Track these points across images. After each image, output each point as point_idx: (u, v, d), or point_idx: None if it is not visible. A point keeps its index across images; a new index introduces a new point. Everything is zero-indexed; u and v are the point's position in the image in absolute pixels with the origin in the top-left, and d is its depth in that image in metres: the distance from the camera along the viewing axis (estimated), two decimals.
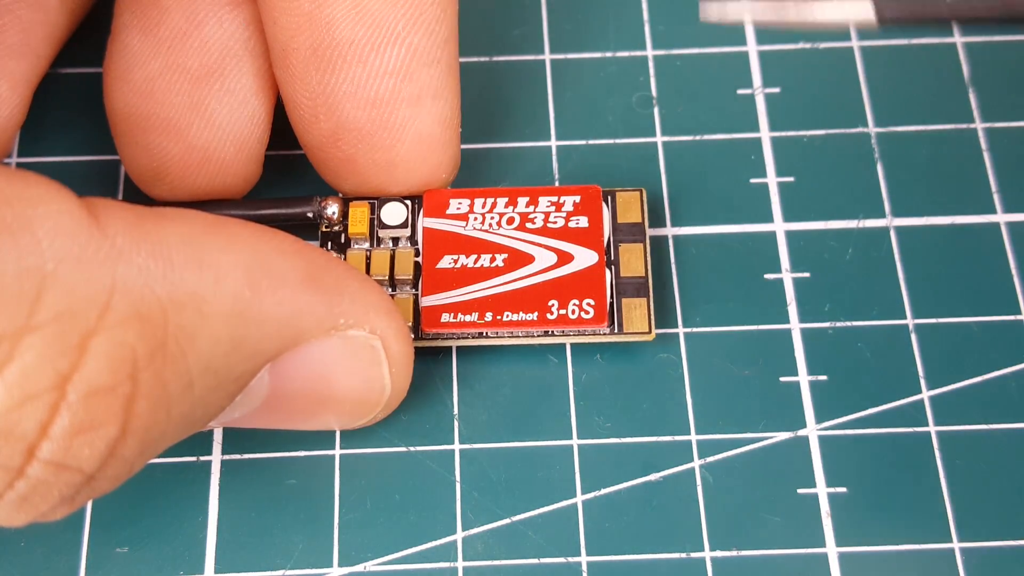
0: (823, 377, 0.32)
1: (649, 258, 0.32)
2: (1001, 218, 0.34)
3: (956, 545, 0.30)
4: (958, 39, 0.36)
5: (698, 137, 0.35)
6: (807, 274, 0.33)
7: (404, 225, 0.32)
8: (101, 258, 0.23)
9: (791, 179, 0.34)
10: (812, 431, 0.31)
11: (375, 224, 0.32)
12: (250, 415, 0.28)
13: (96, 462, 0.23)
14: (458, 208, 0.32)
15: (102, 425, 0.23)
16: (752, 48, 0.36)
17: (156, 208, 0.25)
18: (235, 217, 0.29)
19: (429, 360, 0.32)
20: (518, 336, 0.31)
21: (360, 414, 0.29)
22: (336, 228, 0.32)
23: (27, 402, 0.22)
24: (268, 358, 0.26)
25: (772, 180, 0.34)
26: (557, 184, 0.34)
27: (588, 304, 0.31)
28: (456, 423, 0.31)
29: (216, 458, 0.31)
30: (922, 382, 0.32)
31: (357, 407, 0.29)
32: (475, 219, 0.32)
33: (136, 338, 0.23)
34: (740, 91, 0.36)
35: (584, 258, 0.31)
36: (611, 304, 0.31)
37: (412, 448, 0.31)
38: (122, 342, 0.23)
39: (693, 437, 0.31)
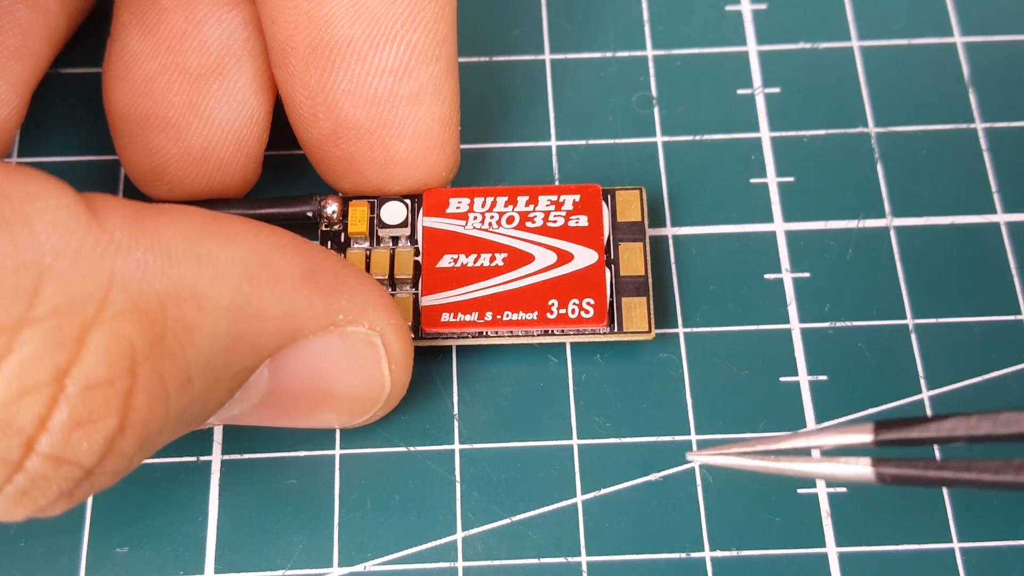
0: (823, 377, 0.32)
1: (649, 257, 0.32)
2: (1001, 218, 0.34)
3: (956, 545, 0.30)
4: (958, 39, 0.36)
5: (698, 137, 0.35)
6: (807, 274, 0.33)
7: (404, 224, 0.32)
8: (99, 252, 0.23)
9: (791, 179, 0.34)
10: None
11: (375, 223, 0.32)
12: (249, 412, 0.28)
13: (95, 456, 0.23)
14: (458, 207, 0.32)
15: (101, 419, 0.23)
16: (752, 48, 0.36)
17: (155, 204, 0.25)
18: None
19: (429, 360, 0.32)
20: (518, 336, 0.31)
21: (360, 411, 0.29)
22: (336, 227, 0.32)
23: (25, 395, 0.22)
24: (267, 354, 0.26)
25: (772, 180, 0.34)
26: (557, 184, 0.34)
27: (588, 303, 0.31)
28: (456, 423, 0.31)
29: (216, 458, 0.31)
30: (922, 382, 0.32)
31: (357, 404, 0.29)
32: (475, 218, 0.32)
33: (134, 332, 0.23)
34: (740, 91, 0.36)
35: (584, 257, 0.31)
36: (611, 303, 0.31)
37: (412, 448, 0.31)
38: (120, 336, 0.23)
39: (693, 437, 0.31)
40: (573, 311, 0.31)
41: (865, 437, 0.24)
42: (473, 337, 0.31)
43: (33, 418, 0.22)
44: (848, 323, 0.32)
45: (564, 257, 0.31)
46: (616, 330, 0.31)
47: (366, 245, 0.32)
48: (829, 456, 0.24)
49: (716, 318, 0.32)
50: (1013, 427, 0.23)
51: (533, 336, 0.31)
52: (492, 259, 0.31)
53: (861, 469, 0.24)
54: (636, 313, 0.31)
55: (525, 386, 0.32)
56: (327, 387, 0.28)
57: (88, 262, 0.22)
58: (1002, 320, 0.32)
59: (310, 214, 0.32)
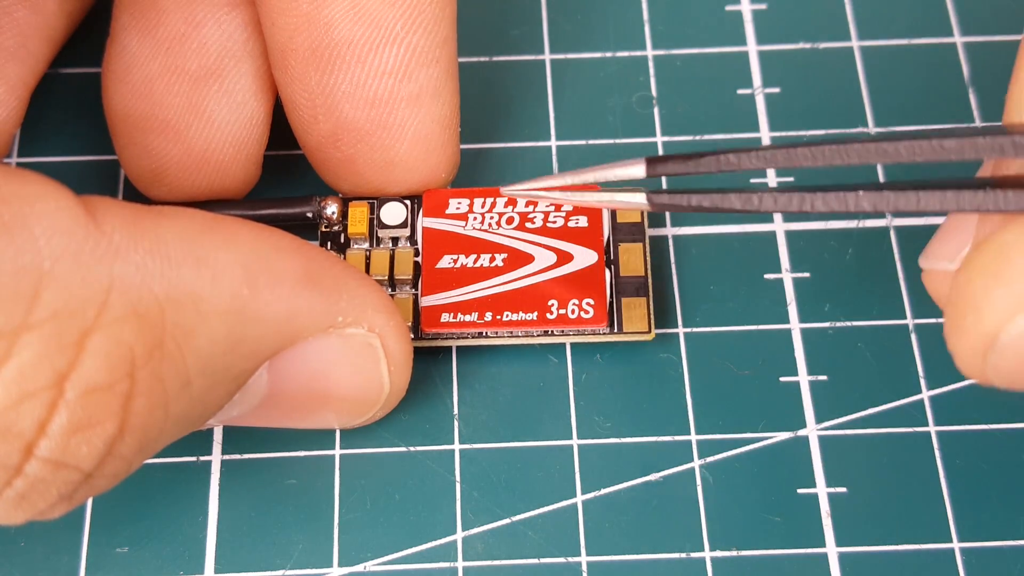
0: (823, 377, 0.32)
1: (649, 257, 0.32)
2: None
3: (956, 545, 0.30)
4: (958, 39, 0.36)
5: (698, 137, 0.35)
6: (807, 274, 0.33)
7: (404, 225, 0.32)
8: (99, 255, 0.23)
9: (791, 179, 0.34)
10: (812, 431, 0.31)
11: (375, 224, 0.32)
12: (249, 413, 0.28)
13: (94, 460, 0.23)
14: (457, 208, 0.32)
15: (100, 423, 0.23)
16: (752, 48, 0.36)
17: (154, 206, 0.25)
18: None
19: (429, 360, 0.32)
20: (518, 336, 0.31)
21: (359, 412, 0.29)
22: (336, 228, 0.32)
23: (25, 400, 0.22)
24: (266, 356, 0.26)
25: (772, 180, 0.34)
26: None
27: (588, 304, 0.31)
28: (456, 423, 0.31)
29: (216, 458, 0.31)
30: (922, 382, 0.32)
31: (356, 405, 0.29)
32: (474, 219, 0.32)
33: (134, 336, 0.23)
34: (740, 91, 0.36)
35: (584, 258, 0.31)
36: (611, 304, 0.31)
37: (412, 448, 0.31)
38: (120, 340, 0.23)
39: (693, 437, 0.31)
40: (573, 311, 0.31)
41: (639, 171, 0.27)
42: (473, 338, 0.31)
43: (33, 423, 0.22)
44: (848, 323, 0.32)
45: (564, 257, 0.31)
46: (616, 330, 0.31)
47: (366, 246, 0.32)
48: (612, 188, 0.28)
49: (716, 318, 0.32)
50: (755, 164, 0.26)
51: (533, 336, 0.31)
52: (492, 259, 0.31)
53: (638, 198, 0.27)
54: (636, 314, 0.31)
55: (525, 386, 0.32)
56: (326, 389, 0.28)
57: (87, 266, 0.22)
58: None
59: (310, 215, 0.32)
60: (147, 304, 0.23)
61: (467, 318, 0.31)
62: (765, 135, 0.35)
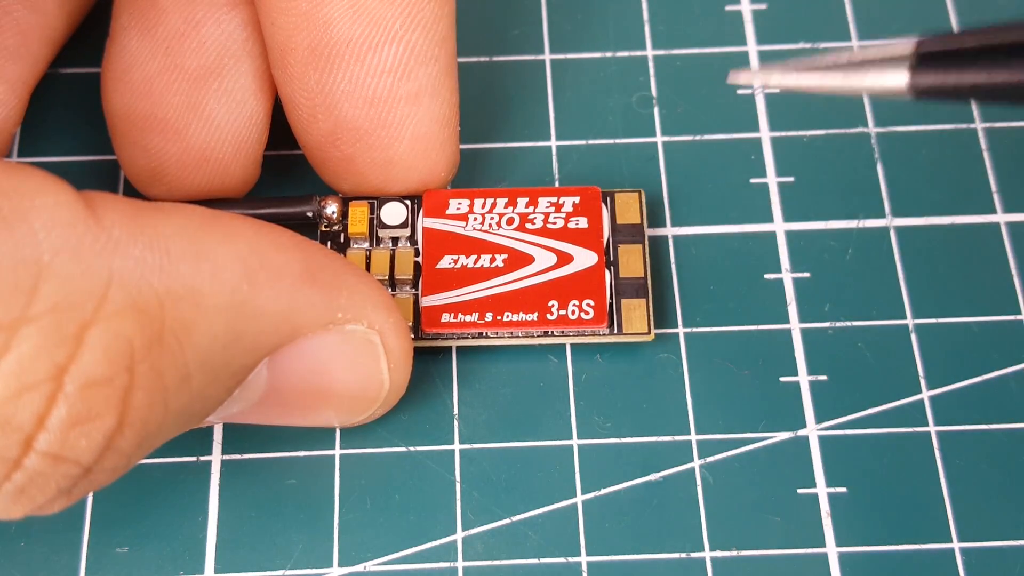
0: (823, 377, 0.32)
1: (648, 259, 0.32)
2: (1001, 218, 0.34)
3: (956, 545, 0.30)
4: None
5: (698, 137, 0.35)
6: (807, 274, 0.33)
7: (404, 225, 0.32)
8: (98, 250, 0.23)
9: (791, 179, 0.34)
10: (812, 431, 0.31)
11: (375, 224, 0.32)
12: (248, 410, 0.28)
13: (93, 454, 0.23)
14: (458, 208, 0.32)
15: (99, 416, 0.23)
16: (752, 48, 0.36)
17: (154, 202, 0.25)
18: None
19: (429, 359, 0.32)
20: (518, 336, 0.31)
21: (359, 410, 0.29)
22: (336, 228, 0.32)
23: (24, 393, 0.22)
24: (266, 352, 0.26)
25: (772, 180, 0.34)
26: (557, 184, 0.34)
27: (588, 305, 0.31)
28: (456, 423, 0.31)
29: (216, 458, 0.31)
30: (922, 382, 0.32)
31: (355, 402, 0.29)
32: (475, 219, 0.32)
33: (133, 330, 0.23)
34: (740, 91, 0.36)
35: (584, 259, 0.31)
36: (611, 305, 0.31)
37: (412, 448, 0.31)
38: (119, 334, 0.23)
39: (693, 437, 0.31)
40: (573, 312, 0.31)
41: (906, 50, 0.23)
42: (473, 338, 0.31)
43: (32, 416, 0.22)
44: (848, 323, 0.32)
45: (564, 258, 0.31)
46: (616, 332, 0.31)
47: (366, 246, 0.32)
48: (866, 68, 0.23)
49: (716, 318, 0.32)
50: None
51: (533, 337, 0.31)
52: (492, 260, 0.31)
53: (897, 79, 0.23)
54: (635, 315, 0.31)
55: (525, 386, 0.32)
56: (326, 385, 0.28)
57: (87, 260, 0.23)
58: (1002, 320, 0.32)
59: (310, 214, 0.32)
60: (146, 298, 0.23)
61: (467, 318, 0.31)
62: (765, 135, 0.35)
